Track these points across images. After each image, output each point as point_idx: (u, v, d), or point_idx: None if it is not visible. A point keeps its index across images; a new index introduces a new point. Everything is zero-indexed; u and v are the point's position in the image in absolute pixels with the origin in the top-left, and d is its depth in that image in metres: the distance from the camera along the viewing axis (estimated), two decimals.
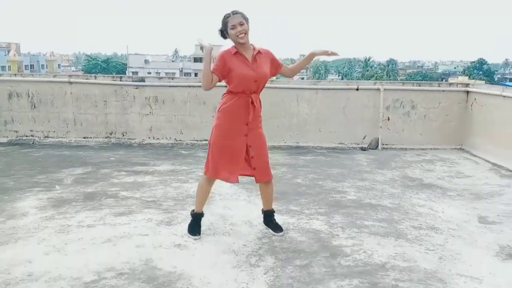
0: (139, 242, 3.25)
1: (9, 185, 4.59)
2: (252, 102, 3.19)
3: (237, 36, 3.10)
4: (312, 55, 3.36)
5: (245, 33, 3.11)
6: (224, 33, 3.20)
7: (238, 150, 3.23)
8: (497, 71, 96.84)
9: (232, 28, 3.10)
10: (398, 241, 3.35)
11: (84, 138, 6.96)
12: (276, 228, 3.48)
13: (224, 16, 3.16)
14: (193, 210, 3.49)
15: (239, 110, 3.19)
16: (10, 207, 3.92)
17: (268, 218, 3.54)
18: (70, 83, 6.89)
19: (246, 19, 3.16)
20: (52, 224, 3.54)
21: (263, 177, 3.34)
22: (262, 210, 3.58)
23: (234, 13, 3.13)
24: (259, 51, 3.23)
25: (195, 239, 3.33)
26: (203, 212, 3.48)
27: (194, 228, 3.42)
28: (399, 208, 4.12)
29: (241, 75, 3.12)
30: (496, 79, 77.90)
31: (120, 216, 3.75)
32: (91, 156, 5.97)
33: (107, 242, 3.23)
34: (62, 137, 6.96)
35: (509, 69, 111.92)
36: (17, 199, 4.14)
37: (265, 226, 3.56)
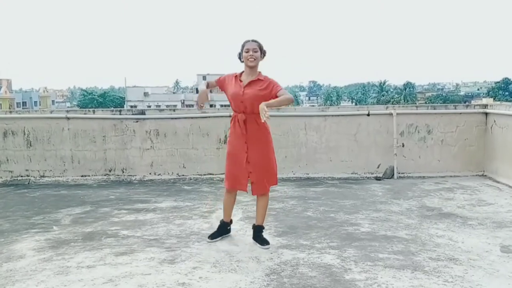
0: (142, 281, 3.36)
1: (5, 227, 4.76)
2: (244, 121, 3.94)
3: (248, 59, 3.91)
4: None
5: (255, 59, 3.90)
6: (240, 56, 4.00)
7: (241, 162, 4.00)
8: None
9: (246, 52, 3.92)
10: (415, 274, 3.43)
11: (82, 176, 7.18)
12: (263, 241, 4.07)
13: (244, 41, 3.99)
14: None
15: (237, 128, 4.00)
16: (6, 250, 4.08)
17: (257, 233, 4.16)
18: (68, 118, 7.18)
19: (261, 49, 3.96)
20: (50, 266, 3.68)
21: (258, 191, 4.07)
22: (253, 225, 4.24)
23: (253, 40, 3.97)
24: (259, 78, 3.97)
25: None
26: (230, 220, 4.30)
27: (214, 233, 4.23)
28: (416, 239, 4.21)
29: (232, 94, 3.99)
30: None
31: (121, 256, 3.88)
32: (89, 195, 6.16)
33: (108, 283, 3.35)
34: (59, 176, 7.18)
35: None
36: (13, 241, 4.30)
37: (253, 241, 4.17)
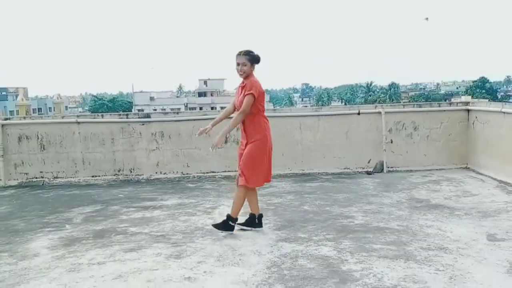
0: (150, 276, 3.27)
1: (21, 227, 4.66)
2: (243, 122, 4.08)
3: (238, 72, 4.03)
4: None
5: (243, 72, 4.00)
6: None
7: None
8: (499, 88, 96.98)
9: (237, 65, 4.02)
10: (408, 263, 3.34)
11: (92, 177, 7.07)
12: (219, 225, 4.14)
13: (237, 53, 4.04)
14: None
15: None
16: (22, 248, 3.98)
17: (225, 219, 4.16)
18: (78, 123, 7.06)
19: (251, 60, 3.98)
20: (63, 263, 3.58)
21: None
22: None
23: (242, 53, 3.99)
24: (246, 84, 4.02)
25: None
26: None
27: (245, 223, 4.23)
28: (407, 230, 4.12)
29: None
30: (499, 96, 77.83)
31: (130, 252, 3.78)
32: (100, 194, 6.06)
33: (117, 278, 3.25)
34: (71, 177, 7.07)
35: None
36: (28, 240, 4.20)
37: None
